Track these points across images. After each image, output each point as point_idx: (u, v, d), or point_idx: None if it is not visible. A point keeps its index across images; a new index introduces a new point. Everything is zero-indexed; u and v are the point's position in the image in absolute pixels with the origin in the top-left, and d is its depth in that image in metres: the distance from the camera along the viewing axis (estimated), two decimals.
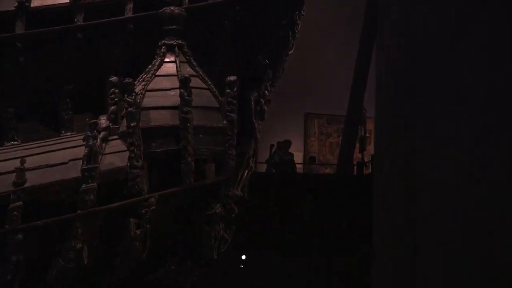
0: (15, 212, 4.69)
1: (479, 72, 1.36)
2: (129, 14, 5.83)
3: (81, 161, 4.96)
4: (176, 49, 5.66)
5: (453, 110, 1.40)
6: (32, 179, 4.83)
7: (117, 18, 5.83)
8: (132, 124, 5.13)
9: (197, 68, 5.71)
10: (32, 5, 5.74)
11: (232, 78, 5.55)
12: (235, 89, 5.56)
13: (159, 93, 5.51)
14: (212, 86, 5.67)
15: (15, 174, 4.75)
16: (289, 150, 14.32)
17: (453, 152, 1.39)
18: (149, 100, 5.43)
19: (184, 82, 5.30)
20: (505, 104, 1.33)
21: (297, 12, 6.34)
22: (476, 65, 1.37)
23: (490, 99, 1.35)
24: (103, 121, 5.38)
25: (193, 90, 5.34)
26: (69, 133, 5.97)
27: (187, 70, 5.63)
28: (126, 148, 5.20)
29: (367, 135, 14.34)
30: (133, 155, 5.10)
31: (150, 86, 5.50)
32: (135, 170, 5.10)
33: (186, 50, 5.71)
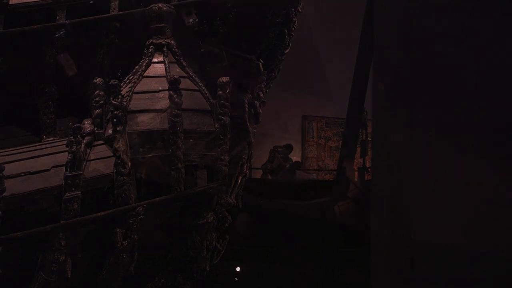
0: None
1: (478, 74, 1.41)
2: (114, 11, 5.86)
3: (64, 168, 4.97)
4: (165, 49, 5.70)
5: (453, 112, 1.44)
6: (12, 187, 4.83)
7: (101, 15, 5.86)
8: (118, 128, 5.15)
9: (187, 68, 5.75)
10: (11, 1, 5.76)
11: (224, 79, 5.59)
12: (227, 90, 5.60)
13: (147, 95, 5.53)
14: (203, 88, 5.70)
15: None
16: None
17: (452, 156, 1.43)
18: (136, 102, 5.45)
19: (173, 84, 5.33)
20: (505, 106, 1.38)
21: (293, 9, 6.39)
22: (475, 66, 1.42)
23: (490, 101, 1.40)
24: (87, 125, 5.39)
25: (183, 92, 5.37)
26: (51, 138, 5.97)
27: (177, 71, 5.66)
28: (112, 154, 5.22)
29: (368, 138, 14.35)
30: (119, 161, 5.12)
31: (137, 88, 5.53)
32: (122, 177, 5.12)
33: (176, 49, 5.74)
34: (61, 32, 5.81)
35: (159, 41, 5.67)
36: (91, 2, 6.03)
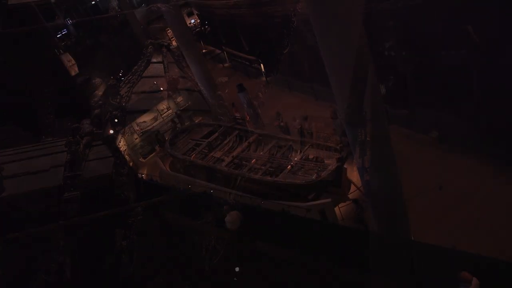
0: None
1: (474, 75, 1.40)
2: (114, 11, 5.86)
3: (63, 168, 4.97)
4: (164, 49, 5.69)
5: (452, 113, 1.42)
6: (11, 187, 4.83)
7: (100, 15, 5.86)
8: (117, 129, 5.14)
9: (186, 68, 5.74)
10: (10, 1, 5.76)
11: (224, 79, 5.59)
12: (226, 91, 5.60)
13: (146, 95, 5.53)
14: (203, 88, 5.70)
15: None
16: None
17: (453, 157, 1.41)
18: (135, 103, 5.45)
19: (172, 84, 5.32)
20: (505, 106, 1.36)
21: (291, 9, 6.38)
22: (471, 69, 1.41)
23: (490, 101, 1.39)
24: (86, 125, 5.39)
25: (182, 92, 5.37)
26: (50, 138, 5.96)
27: (176, 71, 5.66)
28: (111, 154, 5.20)
29: (368, 139, 14.28)
30: (118, 162, 5.11)
31: (136, 88, 5.52)
32: (121, 178, 5.11)
33: (175, 49, 5.74)
34: (62, 32, 5.81)
35: (158, 41, 5.67)
36: (92, 2, 6.04)
